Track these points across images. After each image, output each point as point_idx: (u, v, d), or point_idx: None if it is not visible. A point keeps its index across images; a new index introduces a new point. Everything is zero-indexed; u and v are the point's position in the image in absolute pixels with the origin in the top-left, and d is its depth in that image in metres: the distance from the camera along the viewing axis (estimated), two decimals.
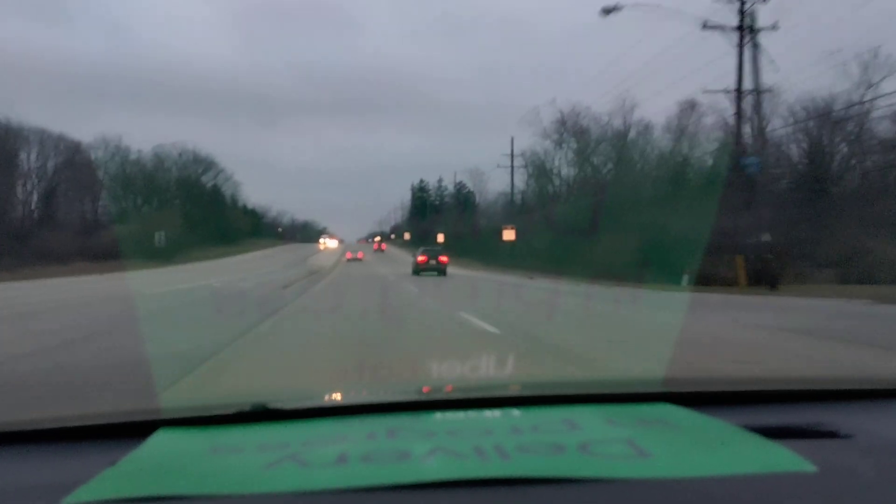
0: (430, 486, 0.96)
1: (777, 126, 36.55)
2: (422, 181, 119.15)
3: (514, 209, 53.56)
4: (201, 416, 1.34)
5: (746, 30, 25.54)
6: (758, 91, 22.91)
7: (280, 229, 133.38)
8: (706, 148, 36.00)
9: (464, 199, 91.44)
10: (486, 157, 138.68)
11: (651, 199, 33.49)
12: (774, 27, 25.95)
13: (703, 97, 35.54)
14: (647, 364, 6.79)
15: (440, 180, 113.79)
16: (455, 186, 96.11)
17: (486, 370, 4.38)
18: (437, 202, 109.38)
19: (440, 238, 72.12)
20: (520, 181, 60.79)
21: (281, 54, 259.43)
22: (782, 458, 1.06)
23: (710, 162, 33.63)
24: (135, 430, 1.25)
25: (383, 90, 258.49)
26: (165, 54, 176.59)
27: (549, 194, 58.46)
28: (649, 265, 29.05)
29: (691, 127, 38.92)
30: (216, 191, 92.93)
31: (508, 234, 42.34)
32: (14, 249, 47.59)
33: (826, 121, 32.83)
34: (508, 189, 61.79)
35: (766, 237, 20.72)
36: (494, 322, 10.74)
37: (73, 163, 79.40)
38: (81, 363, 7.06)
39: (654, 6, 27.34)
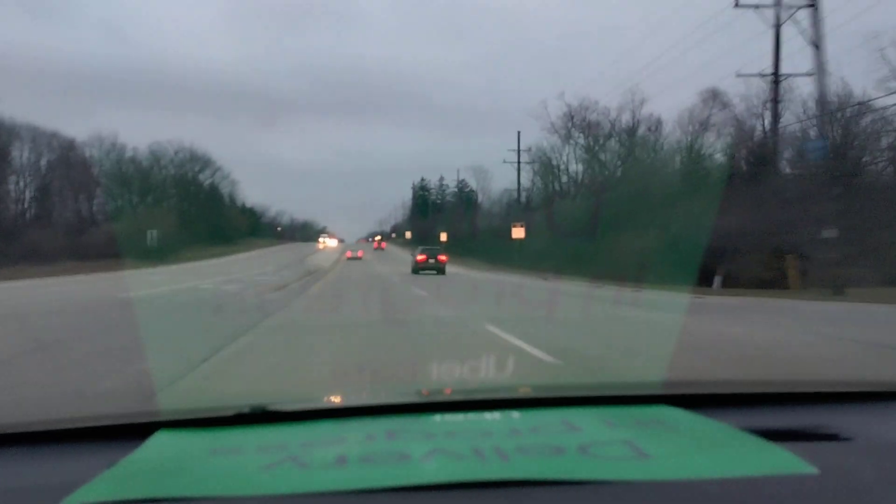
0: (430, 488, 0.95)
1: (792, 118, 34.33)
2: (423, 180, 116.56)
3: (520, 207, 50.94)
4: (201, 418, 1.33)
5: (784, 7, 22.99)
6: (821, 75, 20.10)
7: (279, 229, 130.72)
8: (728, 140, 33.49)
9: (465, 198, 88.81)
10: (487, 157, 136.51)
11: (672, 194, 30.86)
12: (813, 5, 23.41)
13: (725, 85, 32.94)
14: None
15: (441, 179, 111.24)
16: (457, 185, 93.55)
17: (486, 372, 4.35)
18: (439, 201, 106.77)
19: (443, 237, 69.70)
20: (525, 179, 58.12)
21: (280, 52, 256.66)
22: (783, 460, 1.05)
23: (734, 154, 31.08)
24: (134, 432, 1.25)
25: (384, 89, 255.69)
26: (163, 52, 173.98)
27: (557, 192, 56.00)
28: (673, 266, 26.49)
29: (713, 118, 36.41)
30: (213, 189, 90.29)
31: (517, 233, 39.59)
32: (1, 248, 45.48)
33: (860, 111, 30.24)
34: (512, 187, 59.56)
35: (830, 233, 18.01)
36: (536, 341, 8.16)
37: (67, 160, 77.13)
38: None
39: None
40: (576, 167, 54.87)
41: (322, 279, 28.91)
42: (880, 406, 1.54)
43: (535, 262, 39.70)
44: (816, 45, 21.13)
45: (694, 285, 24.02)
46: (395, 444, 1.14)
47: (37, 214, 72.50)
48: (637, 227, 31.80)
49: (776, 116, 23.42)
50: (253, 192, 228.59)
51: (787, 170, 24.23)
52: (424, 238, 76.32)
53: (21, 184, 74.23)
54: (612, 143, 50.21)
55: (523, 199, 55.82)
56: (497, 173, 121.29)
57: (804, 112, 34.06)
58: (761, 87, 35.47)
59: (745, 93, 36.78)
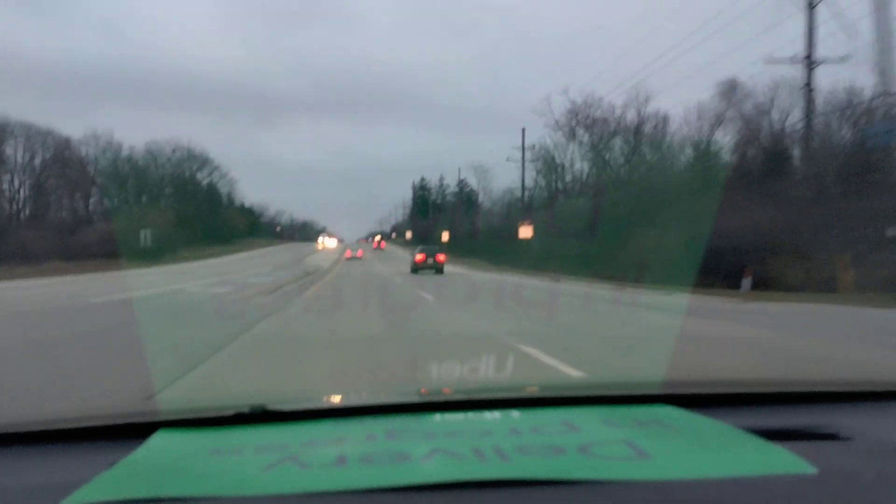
0: (430, 488, 0.94)
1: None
2: (423, 179, 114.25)
3: (526, 205, 48.91)
4: (201, 418, 1.31)
5: None
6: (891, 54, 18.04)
7: (278, 229, 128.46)
8: (749, 132, 31.44)
9: (466, 198, 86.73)
10: (489, 156, 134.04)
11: (688, 191, 28.85)
12: None
13: (737, 77, 30.95)
14: None
15: (442, 178, 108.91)
16: (458, 184, 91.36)
17: (486, 372, 4.34)
18: (439, 201, 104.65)
19: (445, 237, 67.69)
20: (528, 178, 56.01)
21: (280, 52, 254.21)
22: (782, 460, 1.04)
23: (759, 147, 29.05)
24: (134, 432, 1.24)
25: (384, 88, 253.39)
26: (161, 51, 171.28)
27: (561, 190, 54.03)
28: (693, 267, 24.50)
29: (730, 112, 34.35)
30: (211, 189, 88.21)
31: (525, 232, 37.41)
32: None
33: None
34: (513, 186, 57.59)
35: (894, 232, 15.96)
36: (596, 369, 6.18)
37: (62, 158, 75.23)
38: None
39: None
40: (580, 165, 52.93)
41: (320, 281, 26.89)
42: (880, 406, 1.52)
43: (540, 263, 37.71)
44: (854, 30, 19.19)
45: (720, 288, 22.05)
46: (395, 444, 1.13)
47: (31, 213, 70.79)
48: (650, 226, 29.79)
49: (810, 104, 21.41)
50: (252, 191, 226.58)
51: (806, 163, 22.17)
52: (425, 238, 74.70)
53: (16, 182, 72.63)
54: (619, 140, 48.25)
55: (526, 198, 53.75)
56: (498, 172, 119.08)
57: (829, 103, 32.20)
58: (775, 80, 33.76)
59: (769, 82, 34.70)
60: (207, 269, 41.18)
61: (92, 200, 77.70)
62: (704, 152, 34.49)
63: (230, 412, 1.30)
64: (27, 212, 71.96)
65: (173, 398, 4.91)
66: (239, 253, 72.29)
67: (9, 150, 71.25)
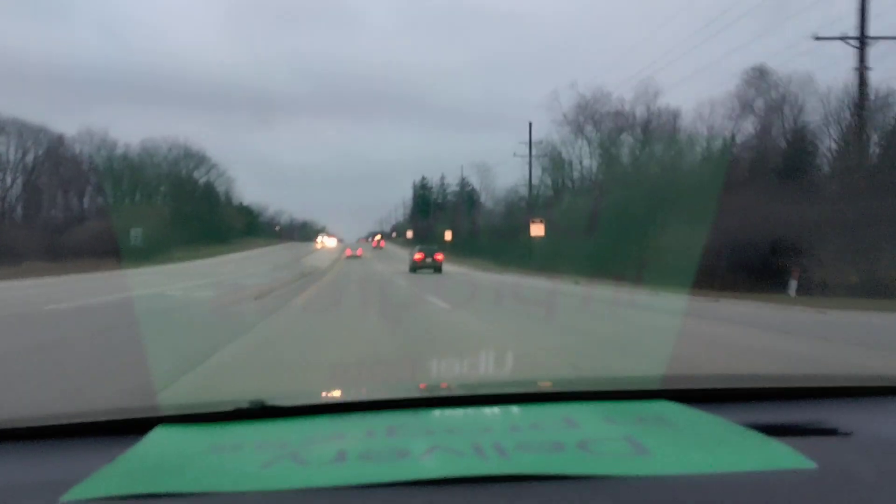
0: (429, 484, 0.93)
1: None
2: (424, 178, 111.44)
3: (532, 202, 46.37)
4: (200, 414, 1.30)
5: None
6: None
7: (278, 228, 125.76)
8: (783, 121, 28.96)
9: (468, 196, 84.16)
10: (490, 155, 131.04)
11: (717, 185, 26.34)
12: None
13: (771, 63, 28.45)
14: None
15: (443, 177, 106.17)
16: (459, 183, 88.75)
17: (486, 368, 4.29)
18: (440, 200, 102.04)
19: (448, 236, 65.13)
20: (533, 176, 53.46)
21: (280, 51, 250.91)
22: (782, 455, 1.03)
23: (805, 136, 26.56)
24: (133, 428, 1.22)
25: (384, 87, 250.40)
26: (159, 50, 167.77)
27: (568, 188, 51.59)
28: (729, 268, 22.02)
29: (756, 102, 31.79)
30: (209, 187, 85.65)
31: (536, 230, 34.68)
32: None
33: None
34: (516, 184, 55.13)
35: None
36: None
37: (56, 156, 72.79)
38: None
39: None
40: (589, 162, 50.48)
41: (316, 282, 24.37)
42: (879, 401, 1.50)
43: (549, 263, 35.19)
44: None
45: (766, 292, 19.58)
46: (394, 440, 1.11)
47: (23, 212, 68.41)
48: (673, 224, 27.26)
49: (864, 85, 18.93)
50: (252, 191, 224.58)
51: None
52: (426, 237, 72.49)
53: (7, 180, 70.17)
54: (629, 135, 45.80)
55: (531, 196, 51.18)
56: (501, 171, 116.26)
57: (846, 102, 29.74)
58: (787, 73, 31.43)
59: (782, 76, 32.18)
60: (199, 269, 38.87)
61: (86, 199, 75.48)
62: (728, 144, 31.95)
63: (229, 408, 1.27)
64: (19, 210, 69.64)
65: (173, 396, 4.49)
66: (236, 253, 69.76)
67: (0, 148, 68.96)
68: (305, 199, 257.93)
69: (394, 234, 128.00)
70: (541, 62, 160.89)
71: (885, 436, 1.23)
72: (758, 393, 1.57)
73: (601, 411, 1.29)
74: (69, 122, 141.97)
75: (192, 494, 0.92)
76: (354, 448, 1.07)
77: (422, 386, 1.70)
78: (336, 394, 1.65)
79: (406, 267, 37.54)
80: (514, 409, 1.33)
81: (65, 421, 1.32)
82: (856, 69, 18.59)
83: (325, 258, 56.62)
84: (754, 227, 22.29)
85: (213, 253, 65.56)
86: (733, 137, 32.39)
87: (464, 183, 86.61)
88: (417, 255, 36.54)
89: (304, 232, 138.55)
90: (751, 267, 20.72)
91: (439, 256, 36.47)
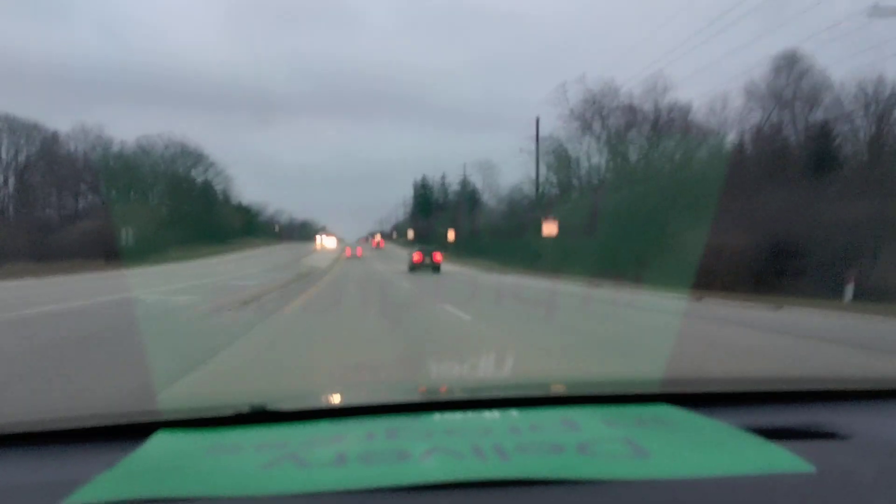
0: (430, 487, 0.92)
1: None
2: (424, 178, 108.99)
3: (539, 200, 44.08)
4: (200, 418, 1.28)
5: None
6: None
7: (277, 228, 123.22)
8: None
9: (470, 196, 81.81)
10: (492, 154, 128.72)
11: (749, 181, 24.03)
12: None
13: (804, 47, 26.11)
14: None
15: (444, 176, 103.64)
16: (461, 182, 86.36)
17: (485, 370, 4.28)
18: (441, 200, 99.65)
19: (451, 235, 62.80)
20: (539, 174, 51.13)
21: (279, 50, 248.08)
22: (781, 459, 1.03)
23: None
24: (134, 432, 1.21)
25: (383, 87, 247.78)
26: (158, 49, 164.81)
27: (575, 186, 49.35)
28: (769, 271, 19.74)
29: (787, 90, 29.38)
30: (207, 186, 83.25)
31: (549, 228, 32.17)
32: None
33: None
34: (520, 183, 52.93)
35: None
36: None
37: (49, 153, 70.54)
38: None
39: None
40: (598, 159, 48.21)
41: (312, 286, 22.05)
42: (878, 404, 1.47)
43: (558, 264, 32.93)
44: None
45: (810, 297, 17.32)
46: (394, 443, 1.10)
47: (16, 211, 66.19)
48: (699, 223, 24.95)
49: None
50: (252, 191, 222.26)
51: None
52: (427, 237, 70.46)
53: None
54: (640, 130, 43.55)
55: (534, 197, 48.85)
56: (504, 170, 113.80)
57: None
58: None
59: (795, 73, 29.71)
60: (192, 270, 36.62)
61: (81, 198, 73.23)
62: (762, 134, 29.56)
63: (230, 412, 1.26)
64: (11, 209, 67.39)
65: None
66: (233, 253, 67.36)
67: None
68: (305, 199, 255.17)
69: (394, 234, 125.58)
70: (542, 62, 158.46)
71: (884, 438, 1.22)
72: (757, 396, 1.54)
73: (601, 414, 1.27)
74: (68, 122, 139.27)
75: (193, 499, 0.91)
76: (354, 450, 1.05)
77: (423, 390, 1.64)
78: (336, 397, 1.63)
79: (405, 267, 37.17)
80: (514, 412, 1.29)
81: (66, 425, 1.29)
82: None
83: (323, 259, 54.25)
84: (794, 228, 20.02)
85: (211, 253, 63.32)
86: (761, 128, 30.03)
87: (465, 182, 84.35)
88: (416, 256, 36.34)
89: (304, 232, 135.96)
90: (796, 270, 18.46)
91: (437, 257, 36.25)
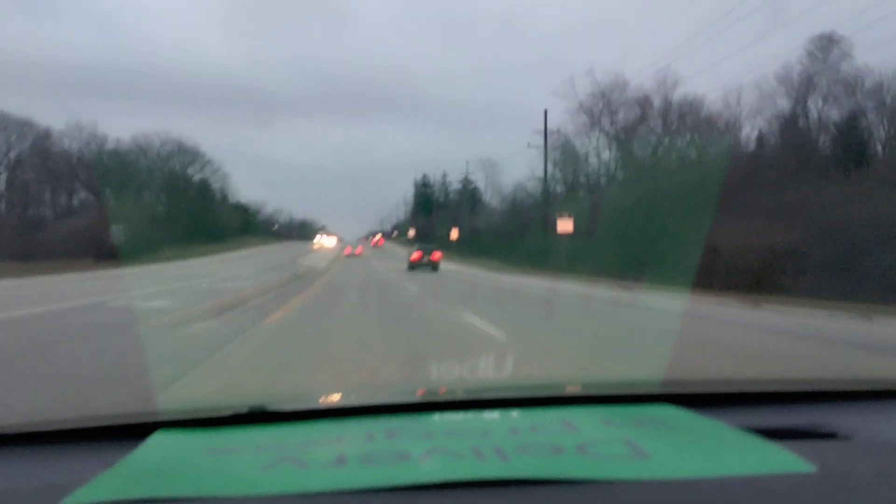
0: (429, 488, 0.92)
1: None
2: (425, 176, 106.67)
3: (545, 197, 41.84)
4: (199, 418, 1.27)
5: None
6: None
7: (275, 227, 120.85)
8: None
9: (471, 194, 79.55)
10: (494, 153, 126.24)
11: (783, 175, 21.74)
12: None
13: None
14: None
15: (444, 175, 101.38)
16: (462, 180, 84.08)
17: (485, 371, 4.15)
18: (442, 198, 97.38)
19: (454, 234, 60.57)
20: (540, 170, 48.95)
21: (277, 50, 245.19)
22: (781, 459, 1.02)
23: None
24: (133, 432, 1.19)
25: (383, 86, 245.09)
26: (155, 48, 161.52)
27: (583, 183, 47.18)
28: (824, 272, 17.48)
29: (819, 78, 27.14)
30: (204, 184, 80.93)
31: (564, 226, 29.75)
32: None
33: None
34: (524, 180, 50.84)
35: None
36: None
37: (42, 150, 68.30)
38: None
39: None
40: (608, 154, 46.02)
41: (307, 289, 19.75)
42: (878, 405, 1.45)
43: (567, 263, 30.65)
44: None
45: (856, 301, 15.09)
46: (394, 444, 1.09)
47: (6, 209, 63.99)
48: (730, 220, 22.63)
49: None
50: (251, 190, 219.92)
51: None
52: (428, 236, 68.57)
53: None
54: (660, 122, 41.38)
55: (541, 193, 46.58)
56: (506, 168, 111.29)
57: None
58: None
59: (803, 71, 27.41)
60: (182, 270, 34.40)
61: (74, 196, 71.05)
62: (792, 127, 27.27)
63: (229, 412, 1.25)
64: (3, 207, 65.16)
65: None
66: (229, 252, 65.05)
67: None
68: (305, 198, 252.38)
69: (395, 234, 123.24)
70: (543, 62, 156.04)
71: (884, 439, 1.21)
72: (757, 396, 1.52)
73: (601, 415, 1.26)
74: (65, 119, 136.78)
75: (192, 499, 0.90)
76: (354, 451, 1.04)
77: (420, 392, 1.50)
78: (336, 398, 1.61)
79: (404, 265, 36.73)
80: (514, 413, 1.28)
81: (64, 425, 1.28)
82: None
83: (322, 259, 51.95)
84: (843, 225, 17.74)
85: (206, 252, 61.08)
86: (796, 117, 27.67)
87: (466, 181, 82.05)
88: (415, 255, 35.95)
89: (304, 231, 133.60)
90: (860, 272, 16.19)
91: (436, 256, 35.81)
